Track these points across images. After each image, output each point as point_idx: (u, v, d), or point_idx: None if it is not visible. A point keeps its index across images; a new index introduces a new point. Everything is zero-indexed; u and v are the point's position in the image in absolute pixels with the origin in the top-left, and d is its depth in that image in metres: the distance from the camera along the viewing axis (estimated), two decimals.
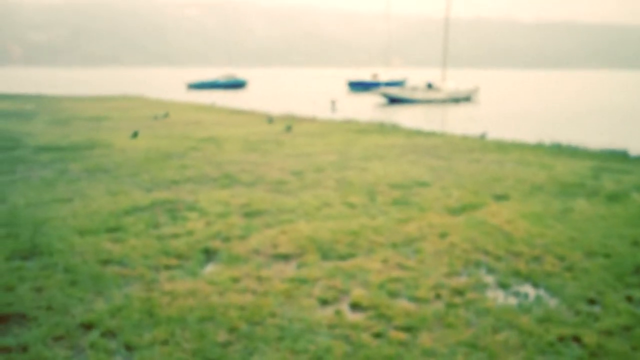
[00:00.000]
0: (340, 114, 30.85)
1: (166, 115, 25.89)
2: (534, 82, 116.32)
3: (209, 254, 6.67)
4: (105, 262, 6.31)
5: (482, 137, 18.76)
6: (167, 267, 6.20)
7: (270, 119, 24.14)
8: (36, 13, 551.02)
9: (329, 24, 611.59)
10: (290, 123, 22.06)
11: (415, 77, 79.41)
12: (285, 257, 6.58)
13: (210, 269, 6.24)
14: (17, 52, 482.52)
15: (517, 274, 6.12)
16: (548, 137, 18.94)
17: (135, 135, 17.47)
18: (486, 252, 6.74)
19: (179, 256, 6.52)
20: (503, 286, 5.83)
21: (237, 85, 77.29)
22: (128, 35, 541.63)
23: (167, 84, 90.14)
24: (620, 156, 14.39)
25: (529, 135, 20.33)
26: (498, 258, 6.57)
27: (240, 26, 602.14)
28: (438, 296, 5.53)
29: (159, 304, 5.22)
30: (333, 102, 40.90)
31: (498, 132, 21.70)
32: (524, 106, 43.60)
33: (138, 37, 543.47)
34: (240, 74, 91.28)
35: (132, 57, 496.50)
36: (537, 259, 6.54)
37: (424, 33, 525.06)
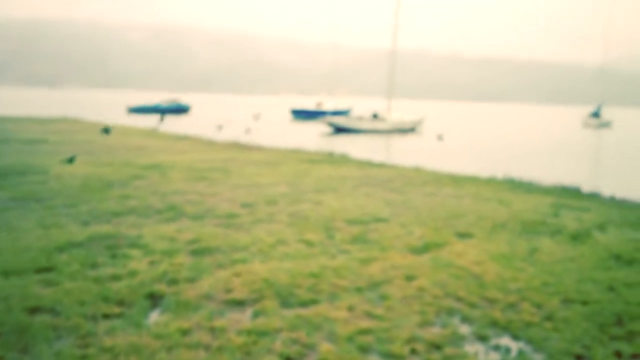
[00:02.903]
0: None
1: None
2: (476, 114, 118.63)
3: (154, 300, 5.94)
4: (34, 310, 5.50)
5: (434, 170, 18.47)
6: (106, 317, 5.44)
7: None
8: None
9: (273, 52, 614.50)
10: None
11: (360, 107, 79.93)
12: (240, 304, 5.91)
13: (155, 318, 5.51)
14: None
15: (494, 323, 5.63)
16: (493, 169, 18.76)
17: (71, 160, 16.17)
18: (458, 299, 6.24)
19: (120, 302, 5.77)
20: (481, 338, 5.33)
21: (180, 110, 75.80)
22: (69, 57, 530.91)
23: (108, 107, 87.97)
24: (575, 193, 14.28)
25: (475, 166, 20.24)
26: (472, 305, 6.07)
27: (184, 51, 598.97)
28: (414, 351, 4.97)
29: None
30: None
31: (445, 163, 21.58)
32: (468, 138, 44.03)
33: (79, 59, 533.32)
34: (184, 98, 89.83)
35: (73, 79, 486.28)
36: (513, 306, 6.08)
37: (368, 63, 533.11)
